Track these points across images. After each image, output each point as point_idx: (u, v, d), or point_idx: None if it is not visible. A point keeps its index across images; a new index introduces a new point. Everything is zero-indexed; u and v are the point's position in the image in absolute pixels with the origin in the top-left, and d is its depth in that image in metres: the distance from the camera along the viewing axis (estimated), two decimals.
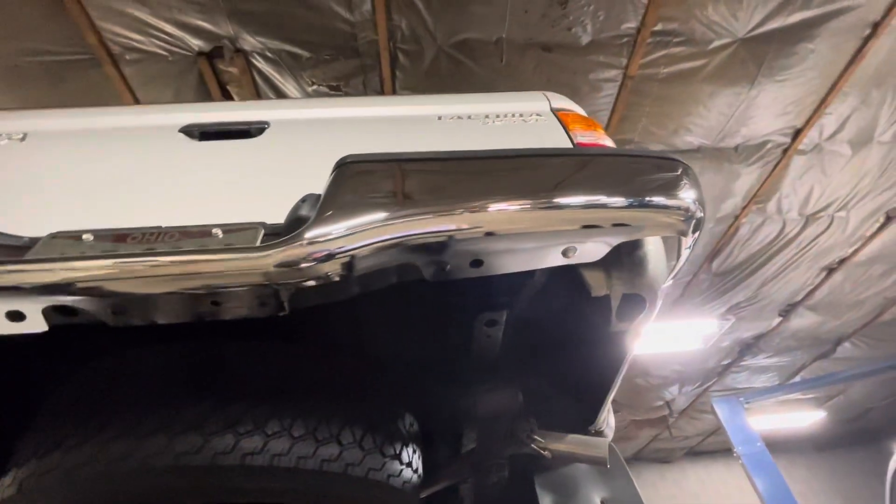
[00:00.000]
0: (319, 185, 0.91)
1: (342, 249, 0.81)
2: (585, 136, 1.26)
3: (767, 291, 5.59)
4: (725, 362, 7.21)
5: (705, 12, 3.12)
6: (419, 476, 1.36)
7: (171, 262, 0.80)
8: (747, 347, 6.84)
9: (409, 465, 1.29)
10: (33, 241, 0.86)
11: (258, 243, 0.85)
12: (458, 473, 1.58)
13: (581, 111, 1.41)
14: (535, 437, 1.41)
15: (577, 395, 1.52)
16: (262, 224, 0.90)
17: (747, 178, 4.27)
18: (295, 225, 0.84)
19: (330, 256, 0.81)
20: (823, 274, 5.45)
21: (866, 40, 3.36)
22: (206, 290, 0.82)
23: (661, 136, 3.88)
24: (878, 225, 4.88)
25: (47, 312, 0.81)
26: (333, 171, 0.90)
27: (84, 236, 0.86)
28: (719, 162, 4.11)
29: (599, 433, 1.55)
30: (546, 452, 1.39)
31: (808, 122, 3.86)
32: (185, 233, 0.88)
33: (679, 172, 0.94)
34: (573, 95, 1.71)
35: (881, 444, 9.93)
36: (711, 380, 7.59)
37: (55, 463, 1.03)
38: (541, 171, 0.93)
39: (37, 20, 2.83)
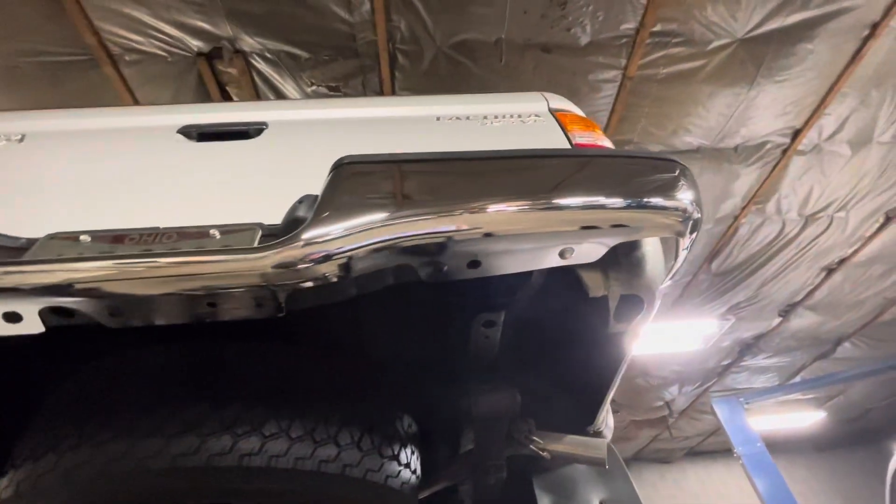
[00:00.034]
0: (318, 186, 0.91)
1: (339, 250, 0.81)
2: (583, 137, 1.26)
3: (767, 292, 5.59)
4: (725, 362, 7.20)
5: (704, 13, 3.12)
6: (417, 477, 1.36)
7: (168, 263, 0.80)
8: (747, 348, 6.84)
9: (408, 465, 1.29)
10: (31, 242, 0.86)
11: (255, 244, 0.85)
12: (456, 474, 1.58)
13: (579, 112, 1.41)
14: (534, 437, 1.41)
15: (575, 395, 1.52)
16: (260, 225, 0.90)
17: (746, 178, 4.27)
18: (292, 226, 0.84)
19: (327, 258, 0.81)
20: (823, 274, 5.45)
21: (865, 41, 3.36)
22: (202, 291, 0.82)
23: (661, 137, 3.88)
24: (877, 225, 4.89)
25: (44, 314, 0.81)
26: (330, 172, 0.90)
27: (81, 237, 0.87)
28: (718, 162, 4.11)
29: (598, 434, 1.55)
30: (545, 453, 1.39)
31: (808, 122, 3.86)
32: (183, 234, 0.88)
33: (676, 173, 0.94)
34: (572, 96, 1.71)
35: (881, 444, 9.93)
36: (711, 380, 7.59)
37: (52, 464, 1.03)
38: (539, 172, 0.93)
39: (36, 21, 2.83)
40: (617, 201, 0.88)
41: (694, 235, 0.97)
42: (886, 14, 3.22)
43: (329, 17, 2.99)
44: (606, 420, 1.61)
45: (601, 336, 1.22)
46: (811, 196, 4.46)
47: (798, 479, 9.59)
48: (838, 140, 4.04)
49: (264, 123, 1.28)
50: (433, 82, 3.36)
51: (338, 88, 3.37)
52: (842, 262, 5.27)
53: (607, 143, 1.28)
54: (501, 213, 0.85)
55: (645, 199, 0.89)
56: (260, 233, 0.88)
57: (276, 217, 0.92)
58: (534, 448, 1.40)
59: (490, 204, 0.85)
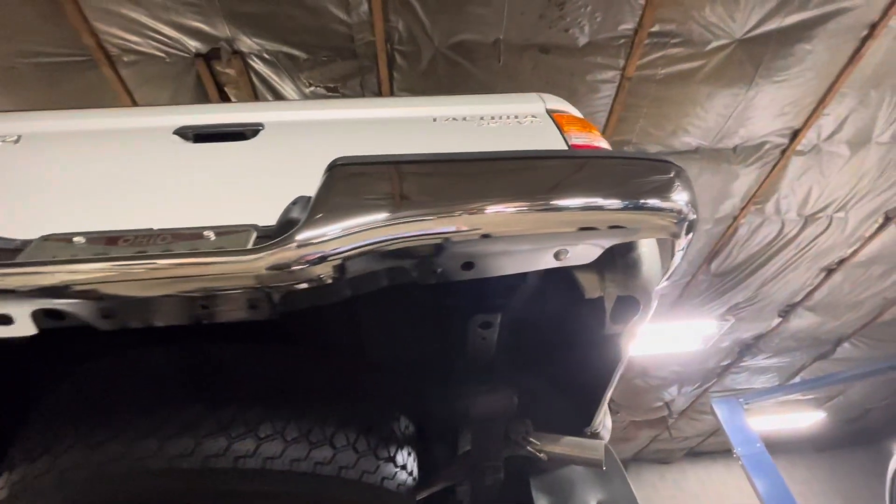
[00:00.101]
0: (314, 187, 0.91)
1: (333, 252, 0.80)
2: (580, 138, 1.26)
3: (767, 292, 5.59)
4: (725, 363, 7.20)
5: (702, 13, 3.12)
6: (414, 478, 1.36)
7: (162, 265, 0.80)
8: (747, 348, 6.83)
9: (404, 467, 1.29)
10: (25, 244, 0.86)
11: (250, 246, 0.84)
12: (454, 475, 1.58)
13: (576, 112, 1.40)
14: (531, 439, 1.41)
15: (572, 397, 1.52)
16: (254, 226, 0.90)
17: (746, 178, 4.27)
18: (286, 227, 0.84)
19: (321, 259, 0.80)
20: (823, 274, 5.45)
21: (864, 41, 3.36)
22: (196, 293, 0.81)
23: (659, 137, 3.88)
24: (876, 225, 4.88)
25: (36, 316, 0.81)
26: (324, 174, 0.90)
27: (75, 239, 0.86)
28: (717, 163, 4.11)
29: (595, 435, 1.55)
30: (542, 454, 1.39)
31: (807, 122, 3.86)
32: (177, 235, 0.88)
33: (672, 175, 0.94)
34: (571, 97, 1.71)
35: (881, 444, 9.93)
36: (711, 380, 7.59)
37: (48, 466, 1.03)
38: (535, 173, 0.93)
39: (34, 22, 2.83)
40: (614, 202, 0.88)
41: (690, 236, 0.97)
42: (885, 14, 3.22)
43: (327, 17, 2.99)
44: (604, 421, 1.61)
45: (598, 337, 1.22)
46: (810, 196, 4.46)
47: (798, 479, 9.59)
48: (837, 140, 4.04)
49: (260, 124, 1.28)
50: (431, 83, 3.35)
51: (336, 89, 3.37)
52: (841, 262, 5.27)
53: (604, 144, 1.27)
54: (497, 214, 0.85)
55: (642, 201, 0.89)
56: (254, 234, 0.88)
57: (272, 218, 0.92)
58: (531, 449, 1.40)
59: (486, 205, 0.85)
